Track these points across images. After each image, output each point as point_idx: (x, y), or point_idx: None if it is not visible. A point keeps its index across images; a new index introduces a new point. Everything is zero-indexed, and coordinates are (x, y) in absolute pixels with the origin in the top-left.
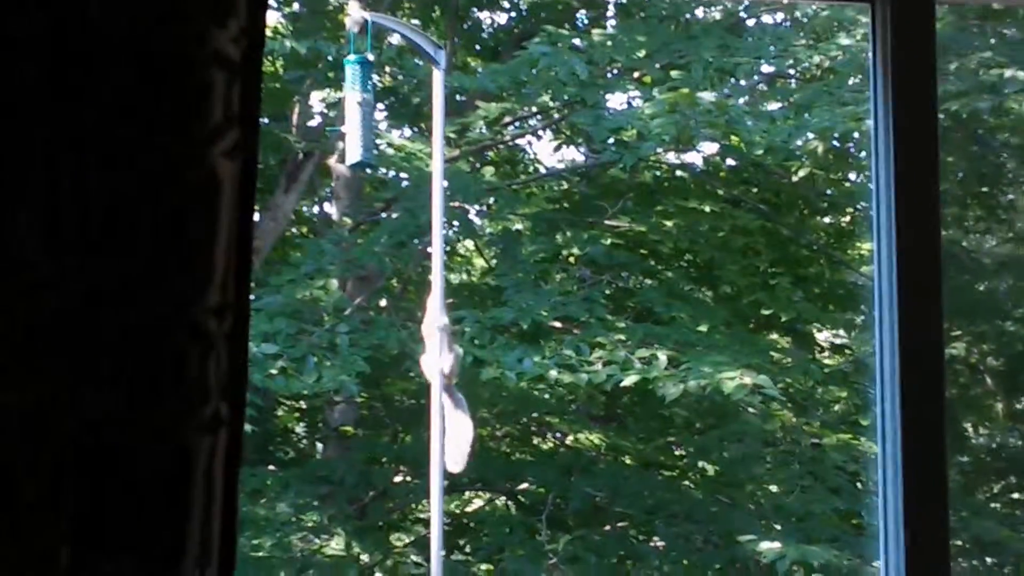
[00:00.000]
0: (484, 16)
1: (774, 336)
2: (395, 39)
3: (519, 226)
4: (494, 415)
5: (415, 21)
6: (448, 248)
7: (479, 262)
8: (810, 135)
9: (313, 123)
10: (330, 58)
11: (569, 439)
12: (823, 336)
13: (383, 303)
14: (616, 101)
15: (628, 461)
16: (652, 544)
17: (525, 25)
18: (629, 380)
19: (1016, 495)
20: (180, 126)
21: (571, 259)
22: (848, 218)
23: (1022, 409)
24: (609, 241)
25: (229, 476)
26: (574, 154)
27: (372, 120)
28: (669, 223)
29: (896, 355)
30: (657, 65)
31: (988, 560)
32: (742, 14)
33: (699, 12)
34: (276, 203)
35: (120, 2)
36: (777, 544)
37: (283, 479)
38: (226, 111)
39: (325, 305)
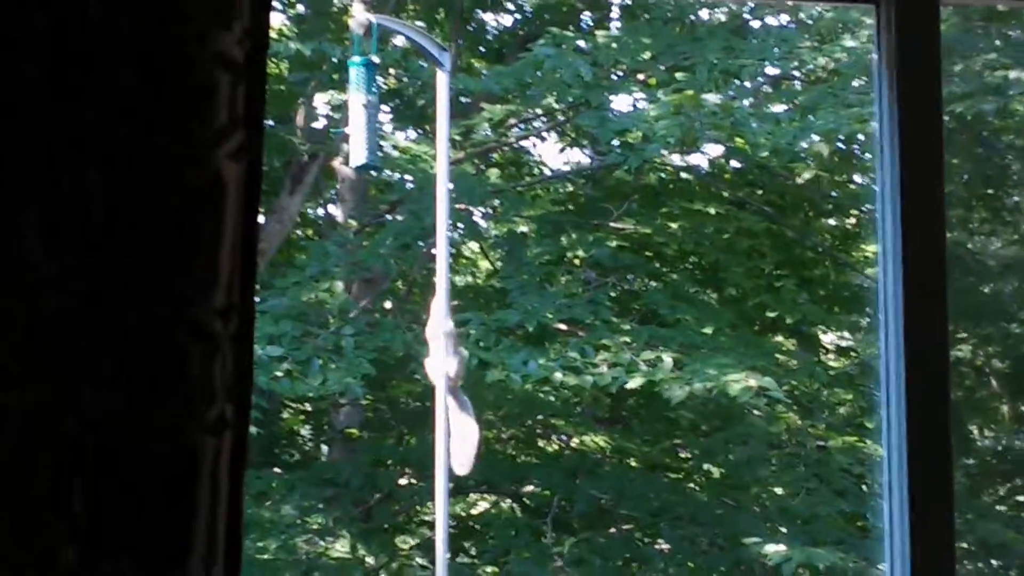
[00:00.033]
0: (488, 18)
1: (779, 338)
2: (400, 41)
3: (524, 228)
4: (499, 417)
5: (420, 23)
6: (453, 250)
7: (484, 264)
8: (815, 137)
9: (318, 125)
10: (334, 60)
11: (574, 441)
12: (828, 338)
13: (388, 305)
14: (621, 103)
15: (633, 463)
16: (657, 546)
17: (530, 27)
18: (634, 382)
19: (1022, 497)
20: (180, 126)
21: (576, 261)
22: (853, 220)
23: None
24: (614, 243)
25: (234, 478)
26: (579, 156)
27: (377, 122)
28: (674, 225)
29: (901, 357)
30: (662, 67)
31: (994, 562)
32: (747, 16)
33: (704, 14)
34: (281, 205)
35: (120, 2)
36: (782, 546)
37: (288, 481)
38: (231, 113)
39: (330, 307)
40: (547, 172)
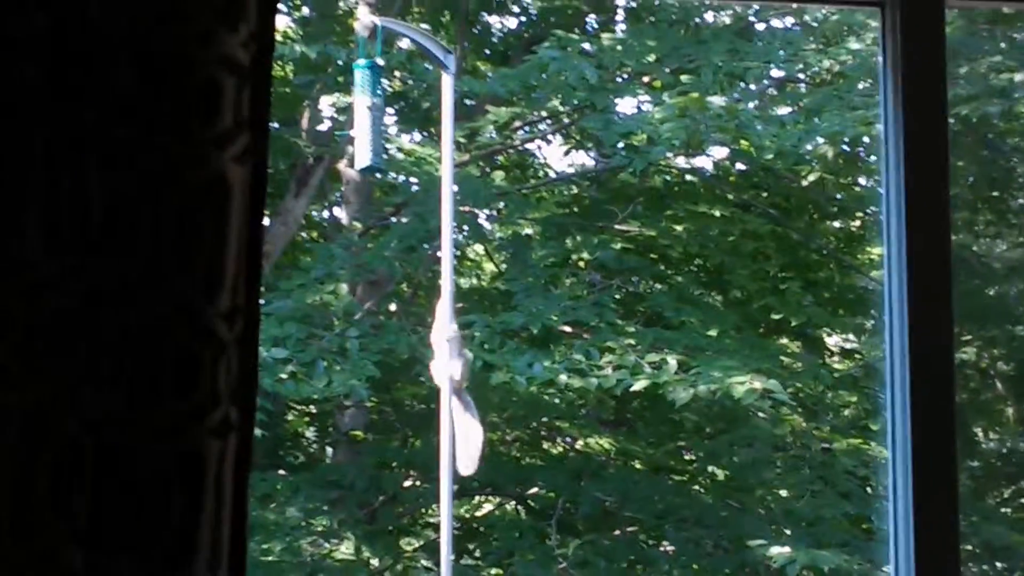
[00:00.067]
0: (494, 20)
1: (784, 340)
2: (405, 43)
3: (529, 230)
4: (504, 419)
5: (425, 26)
6: (458, 252)
7: (489, 266)
8: (820, 139)
9: (323, 127)
10: (340, 63)
11: (579, 443)
12: (833, 340)
13: (393, 308)
14: (626, 105)
15: (638, 466)
16: (662, 549)
17: (535, 30)
18: (639, 385)
19: None
20: (181, 126)
21: (581, 263)
22: (858, 222)
23: None
24: (619, 246)
25: (239, 480)
26: (584, 158)
27: (382, 124)
28: (679, 227)
29: (906, 359)
30: (667, 69)
31: (998, 565)
32: (752, 18)
33: (709, 16)
34: (286, 207)
35: (120, 2)
36: (787, 549)
37: (293, 483)
38: (236, 116)
39: (335, 310)
40: (552, 174)
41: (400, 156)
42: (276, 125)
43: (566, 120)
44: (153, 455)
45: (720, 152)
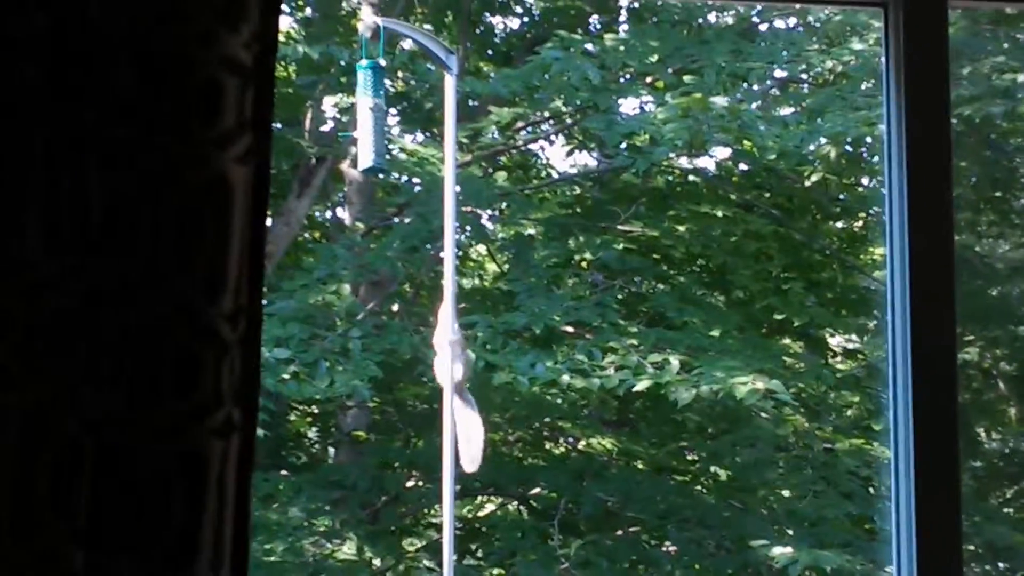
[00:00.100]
0: (496, 21)
1: (786, 341)
2: (407, 44)
3: (531, 231)
4: (506, 420)
5: (427, 26)
6: (460, 253)
7: (491, 267)
8: (823, 140)
9: (326, 128)
10: (343, 63)
11: (581, 444)
12: (836, 341)
13: (395, 308)
14: (629, 106)
15: (640, 466)
16: (664, 549)
17: (537, 30)
18: (641, 385)
19: None
20: (181, 126)
21: (583, 264)
22: (861, 223)
23: None
24: (621, 246)
25: (241, 480)
26: (586, 159)
27: (384, 125)
28: (681, 228)
29: (909, 360)
30: (670, 70)
31: (1001, 565)
32: (755, 19)
33: (711, 17)
34: (289, 208)
35: (120, 2)
36: (789, 549)
37: (295, 484)
38: (238, 116)
39: (338, 310)
40: (554, 175)
41: (403, 156)
42: (279, 125)
43: (569, 120)
44: (153, 455)
45: (723, 152)
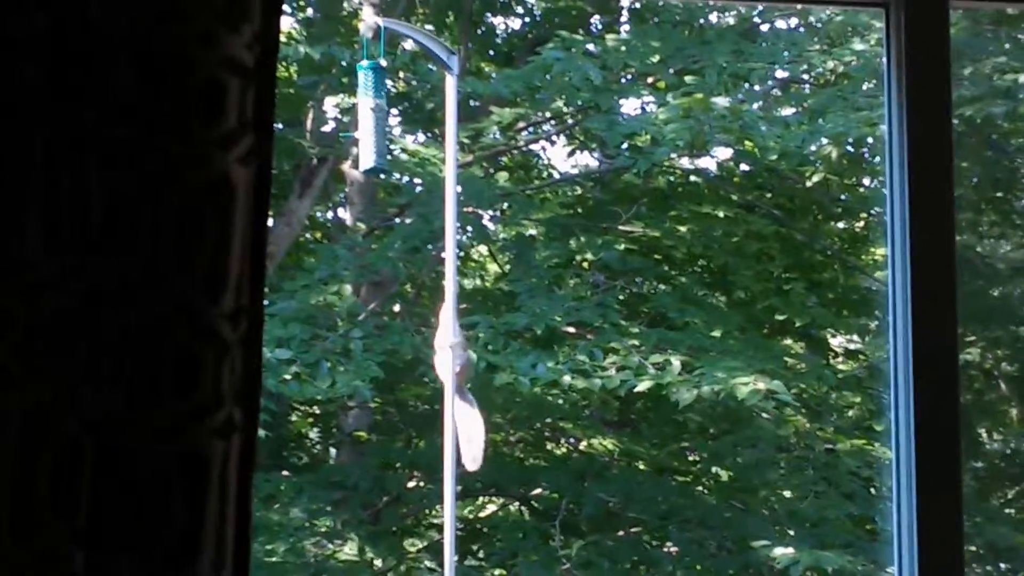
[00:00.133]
0: (498, 21)
1: (788, 341)
2: (409, 45)
3: (533, 231)
4: (508, 420)
5: (429, 27)
6: (462, 253)
7: (493, 267)
8: (824, 140)
9: (327, 128)
10: (344, 64)
11: (583, 444)
12: (837, 341)
13: (397, 308)
14: (630, 106)
15: (642, 466)
16: (666, 549)
17: (539, 31)
18: (643, 385)
19: None
20: (181, 127)
21: (585, 264)
22: (862, 223)
23: None
24: (623, 246)
25: (243, 481)
26: (588, 159)
27: (386, 125)
28: (683, 228)
29: (910, 360)
30: (671, 70)
31: (1002, 566)
32: (756, 19)
33: (713, 17)
34: (290, 208)
35: (120, 2)
36: (791, 549)
37: (297, 484)
38: (240, 117)
39: (339, 310)
40: (556, 175)
41: (404, 157)
42: (280, 126)
43: (570, 121)
44: (153, 455)
45: (724, 153)
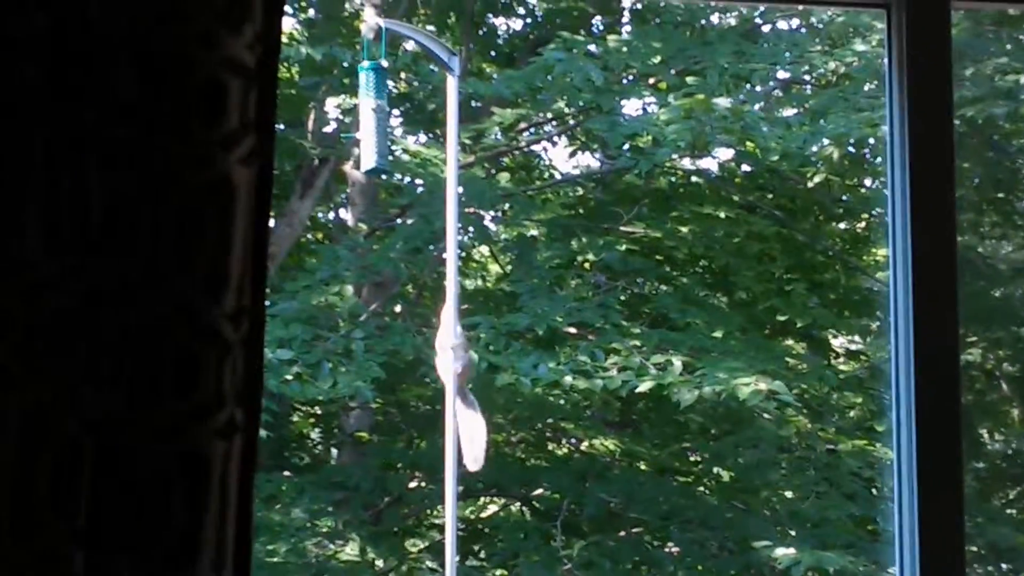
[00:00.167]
0: (499, 22)
1: (789, 342)
2: (410, 45)
3: (534, 232)
4: (509, 421)
5: (430, 27)
6: (463, 254)
7: (494, 268)
8: (826, 141)
9: (328, 129)
10: (345, 64)
11: (584, 445)
12: (838, 342)
13: (398, 309)
14: (631, 107)
15: (643, 467)
16: (667, 550)
17: (540, 31)
18: (644, 386)
19: None
20: (181, 127)
21: (586, 265)
22: (864, 224)
23: None
24: (624, 247)
25: (244, 481)
26: (589, 160)
27: (387, 126)
28: (684, 229)
29: (912, 361)
30: (672, 71)
31: (1004, 566)
32: (757, 20)
33: (714, 18)
34: (292, 209)
35: (120, 2)
36: (792, 550)
37: (298, 485)
38: (242, 117)
39: (340, 311)
40: (557, 176)
41: (405, 158)
42: (281, 127)
43: (571, 122)
44: (153, 455)
45: (725, 154)
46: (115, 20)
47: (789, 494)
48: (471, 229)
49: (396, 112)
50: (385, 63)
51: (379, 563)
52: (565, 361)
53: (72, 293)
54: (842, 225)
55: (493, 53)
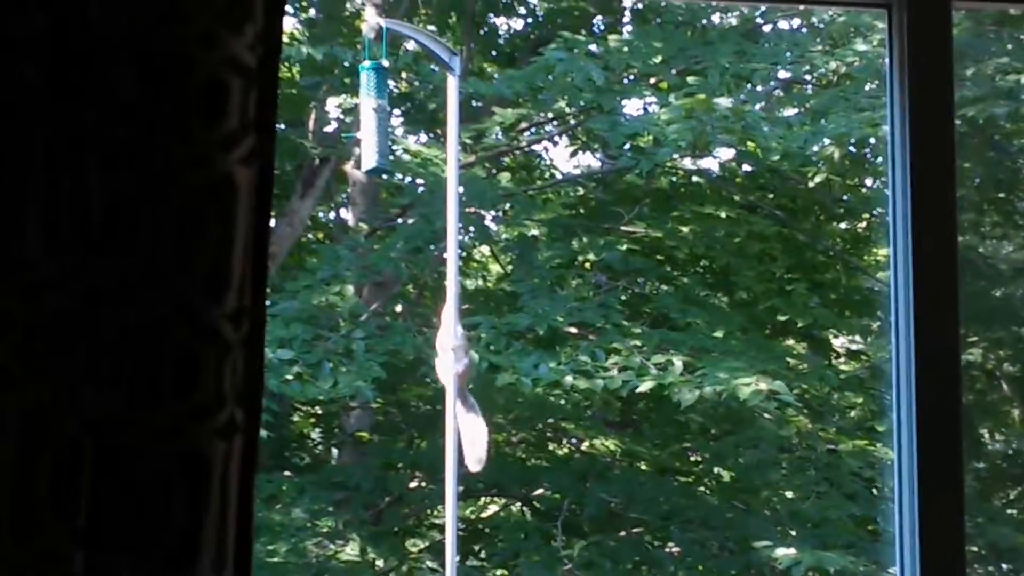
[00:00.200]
0: (500, 22)
1: (790, 342)
2: (411, 45)
3: (535, 232)
4: (509, 421)
5: (431, 27)
6: (464, 254)
7: (495, 268)
8: (826, 141)
9: (329, 129)
10: (346, 64)
11: (584, 445)
12: (839, 342)
13: (399, 309)
14: (632, 107)
15: (643, 467)
16: (667, 550)
17: (541, 31)
18: (645, 386)
19: None
20: (181, 127)
21: (587, 265)
22: (864, 224)
23: None
24: (625, 247)
25: (245, 481)
26: (590, 160)
27: (388, 126)
28: (685, 229)
29: (912, 361)
30: (673, 71)
31: (1004, 566)
32: (758, 20)
33: (715, 18)
34: (292, 209)
35: (120, 2)
36: (793, 550)
37: (299, 485)
38: (242, 118)
39: (341, 311)
40: (558, 176)
41: (406, 157)
42: (282, 126)
43: (572, 121)
44: (153, 455)
45: (726, 153)
46: (115, 20)
47: (790, 494)
48: (472, 229)
49: (397, 112)
50: (386, 63)
51: (379, 563)
52: (566, 361)
53: (72, 293)
54: (843, 225)
55: (494, 53)
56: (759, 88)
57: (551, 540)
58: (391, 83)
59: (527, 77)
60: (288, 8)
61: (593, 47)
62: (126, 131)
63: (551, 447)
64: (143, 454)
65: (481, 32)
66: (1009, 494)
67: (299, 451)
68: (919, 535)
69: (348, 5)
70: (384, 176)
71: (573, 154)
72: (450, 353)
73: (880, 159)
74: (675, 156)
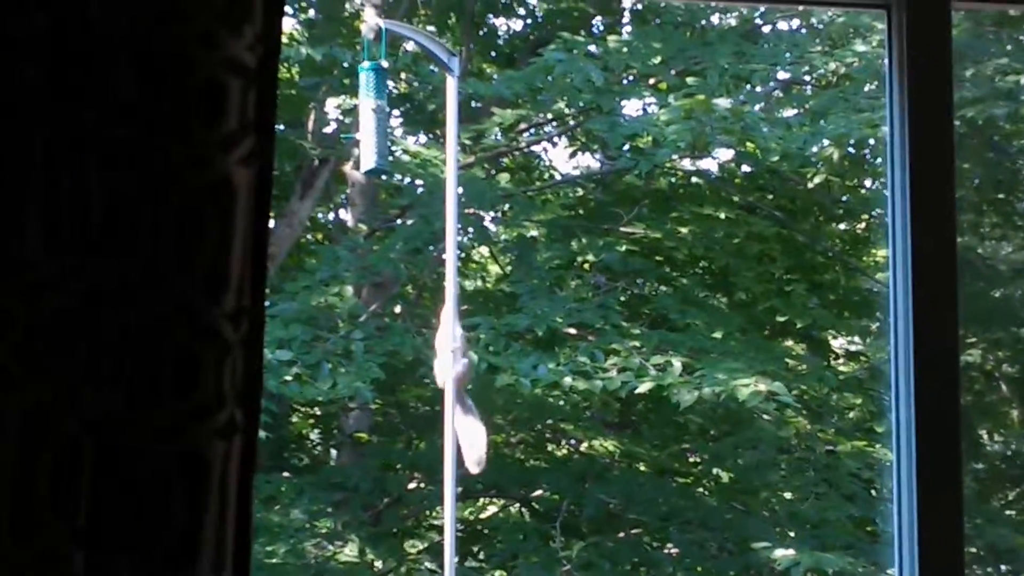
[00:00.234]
0: (500, 23)
1: (789, 343)
2: (410, 46)
3: (534, 232)
4: (508, 422)
5: (430, 28)
6: (463, 254)
7: (494, 268)
8: (826, 142)
9: (328, 130)
10: (345, 65)
11: (583, 446)
12: (838, 343)
13: (398, 309)
14: (631, 108)
15: (642, 468)
16: (666, 551)
17: (541, 32)
18: (644, 387)
19: None
20: (181, 127)
21: (586, 266)
22: (864, 225)
23: None
24: (624, 248)
25: (243, 482)
26: (589, 161)
27: (387, 127)
28: (684, 230)
29: (911, 362)
30: (673, 72)
31: (1003, 568)
32: (758, 21)
33: (715, 19)
34: (291, 209)
35: (120, 2)
36: (791, 551)
37: (297, 485)
38: (241, 118)
39: (340, 312)
40: (557, 176)
41: (405, 158)
42: (281, 127)
43: (571, 122)
44: (153, 455)
45: (726, 154)
46: (115, 20)
47: (788, 495)
48: (471, 230)
49: (396, 112)
50: (385, 63)
51: (378, 564)
52: (565, 362)
53: (72, 293)
54: (842, 226)
55: (493, 53)
56: (758, 89)
57: (550, 541)
58: (390, 84)
59: (526, 78)
60: (287, 9)
61: (592, 48)
62: (126, 131)
63: (550, 448)
64: (143, 454)
65: (480, 33)
66: (1008, 495)
67: (298, 452)
68: (918, 536)
69: (347, 6)
70: (383, 177)
71: (572, 155)
72: (449, 355)
73: (879, 160)
74: (674, 157)
